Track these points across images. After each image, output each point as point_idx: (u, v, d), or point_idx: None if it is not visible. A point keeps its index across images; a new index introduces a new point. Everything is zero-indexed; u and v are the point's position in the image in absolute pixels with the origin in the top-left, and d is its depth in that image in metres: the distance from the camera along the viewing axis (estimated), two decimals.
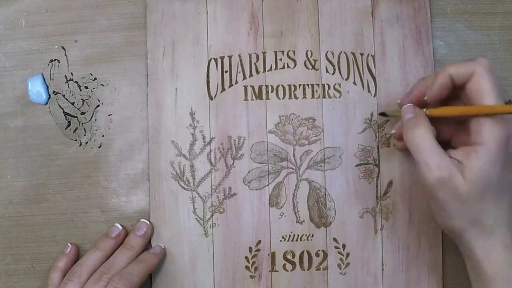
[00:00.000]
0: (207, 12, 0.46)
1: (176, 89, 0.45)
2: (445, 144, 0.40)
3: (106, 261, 0.42)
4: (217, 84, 0.45)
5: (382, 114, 0.44)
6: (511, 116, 0.36)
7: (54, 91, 0.46)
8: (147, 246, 0.44)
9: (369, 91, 0.45)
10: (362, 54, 0.46)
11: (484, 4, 0.47)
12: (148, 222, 0.44)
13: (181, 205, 0.45)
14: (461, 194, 0.35)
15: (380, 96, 0.45)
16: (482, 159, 0.35)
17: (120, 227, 0.44)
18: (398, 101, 0.41)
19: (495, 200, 0.36)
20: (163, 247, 0.44)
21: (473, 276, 0.38)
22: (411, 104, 0.40)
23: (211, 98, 0.45)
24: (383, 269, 0.44)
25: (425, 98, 0.39)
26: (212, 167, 0.45)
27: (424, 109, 0.39)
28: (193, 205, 0.45)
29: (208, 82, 0.45)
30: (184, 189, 0.45)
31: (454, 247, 0.45)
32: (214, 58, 0.46)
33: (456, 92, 0.39)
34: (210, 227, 0.45)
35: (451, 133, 0.41)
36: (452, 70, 0.37)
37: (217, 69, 0.45)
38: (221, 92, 0.45)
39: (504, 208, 0.36)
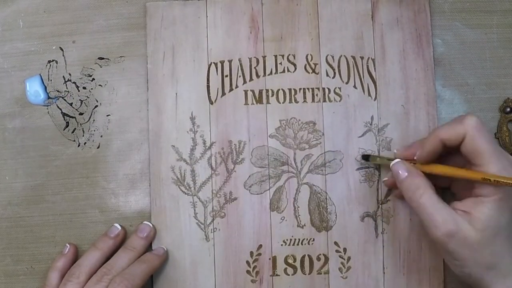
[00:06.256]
0: (207, 17, 0.46)
1: (176, 93, 0.45)
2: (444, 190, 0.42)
3: (107, 261, 0.42)
4: (217, 89, 0.45)
5: (365, 157, 0.44)
6: None
7: (52, 92, 0.46)
8: (148, 249, 0.44)
9: (369, 94, 0.45)
10: (362, 58, 0.46)
11: (482, 2, 0.47)
12: (151, 225, 0.44)
13: (182, 209, 0.45)
14: (472, 243, 0.36)
15: (381, 100, 0.45)
16: (490, 208, 0.36)
17: (119, 227, 0.44)
18: (395, 151, 0.43)
19: (508, 243, 0.37)
20: (165, 249, 0.44)
21: None
22: (400, 160, 0.40)
23: (211, 102, 0.45)
24: (384, 273, 0.44)
25: (415, 158, 0.40)
26: (212, 172, 0.45)
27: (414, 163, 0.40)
28: (194, 210, 0.45)
29: (208, 86, 0.45)
30: (185, 193, 0.45)
31: None
32: (214, 63, 0.45)
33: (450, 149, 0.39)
34: (211, 232, 0.45)
35: (449, 181, 0.42)
36: (442, 134, 0.38)
37: (217, 74, 0.45)
38: (222, 96, 0.45)
39: None
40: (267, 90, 0.45)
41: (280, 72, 0.46)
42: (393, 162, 0.40)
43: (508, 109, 0.46)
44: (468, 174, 0.37)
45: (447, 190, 0.43)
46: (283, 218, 0.45)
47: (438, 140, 0.38)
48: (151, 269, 0.42)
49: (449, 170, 0.39)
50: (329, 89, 0.45)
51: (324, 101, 0.45)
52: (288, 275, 0.44)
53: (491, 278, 0.37)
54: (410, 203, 0.39)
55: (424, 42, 0.46)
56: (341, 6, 0.46)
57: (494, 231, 0.36)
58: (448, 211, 0.37)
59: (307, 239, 0.45)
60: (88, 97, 0.46)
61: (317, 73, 0.46)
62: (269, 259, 0.45)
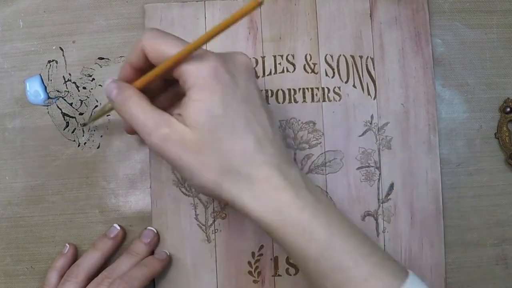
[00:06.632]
0: (205, 18, 0.46)
1: None
2: None
3: (110, 266, 0.42)
4: None
5: (84, 124, 0.44)
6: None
7: (52, 92, 0.46)
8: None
9: (369, 93, 0.45)
10: (361, 57, 0.46)
11: (482, 2, 0.47)
12: (155, 231, 0.44)
13: (182, 211, 0.45)
14: (191, 143, 0.32)
15: (380, 99, 0.45)
16: (196, 99, 0.32)
17: (118, 227, 0.44)
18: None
19: (237, 140, 0.33)
20: (168, 253, 0.44)
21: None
22: (113, 78, 0.36)
23: None
24: None
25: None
26: None
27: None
28: (195, 211, 0.45)
29: None
30: (186, 195, 0.45)
31: (456, 248, 0.45)
32: None
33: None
34: (212, 233, 0.45)
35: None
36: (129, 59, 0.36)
37: None
38: None
39: (251, 145, 0.33)
40: (266, 91, 0.45)
41: (279, 72, 0.46)
42: (107, 83, 0.36)
43: (508, 109, 0.46)
44: (165, 64, 0.33)
45: None
46: None
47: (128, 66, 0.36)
48: (152, 273, 0.42)
49: (153, 71, 0.35)
50: (328, 89, 0.45)
51: (324, 100, 0.45)
52: (290, 275, 0.44)
53: (230, 184, 0.32)
54: (125, 118, 0.35)
55: (423, 41, 0.46)
56: (340, 5, 0.46)
57: (211, 126, 0.32)
58: (160, 114, 0.33)
59: None
60: (88, 97, 0.46)
61: (316, 73, 0.46)
62: (271, 259, 0.45)
